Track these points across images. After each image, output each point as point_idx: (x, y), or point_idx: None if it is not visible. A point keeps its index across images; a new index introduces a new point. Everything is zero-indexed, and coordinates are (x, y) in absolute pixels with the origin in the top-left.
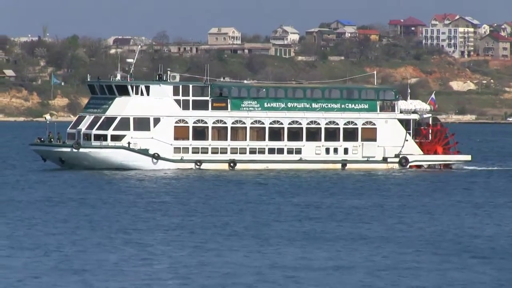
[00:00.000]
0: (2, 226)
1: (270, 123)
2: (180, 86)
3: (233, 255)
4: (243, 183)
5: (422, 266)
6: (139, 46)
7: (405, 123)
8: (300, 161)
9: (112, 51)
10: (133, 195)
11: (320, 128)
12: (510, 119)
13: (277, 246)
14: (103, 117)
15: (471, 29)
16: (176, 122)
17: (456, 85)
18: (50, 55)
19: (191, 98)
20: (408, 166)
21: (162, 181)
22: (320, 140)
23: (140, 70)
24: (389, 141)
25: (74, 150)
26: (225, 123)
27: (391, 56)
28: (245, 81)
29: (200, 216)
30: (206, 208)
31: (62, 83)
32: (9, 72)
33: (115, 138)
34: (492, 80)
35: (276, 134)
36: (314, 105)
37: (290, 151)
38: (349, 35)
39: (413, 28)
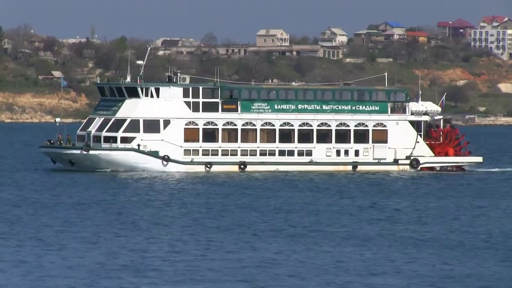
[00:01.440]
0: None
1: (281, 125)
2: (190, 88)
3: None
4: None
5: None
6: (149, 49)
7: (416, 124)
8: (311, 163)
9: (160, 52)
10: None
11: (331, 130)
12: None
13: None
14: (113, 119)
15: None
16: (186, 124)
17: (505, 87)
18: (98, 57)
19: (201, 100)
20: (419, 168)
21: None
22: (331, 142)
23: (188, 72)
24: (400, 143)
25: (84, 152)
26: (235, 125)
27: (439, 58)
28: (293, 83)
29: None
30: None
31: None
32: (57, 74)
33: (125, 140)
34: None
35: (286, 136)
36: (324, 106)
37: (300, 153)
38: (398, 37)
39: (461, 30)
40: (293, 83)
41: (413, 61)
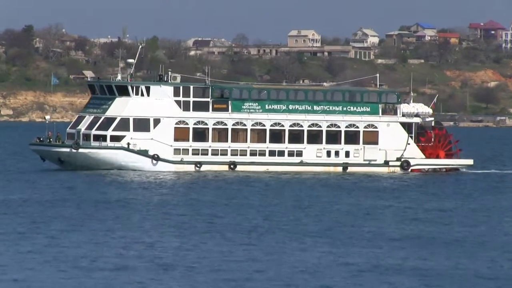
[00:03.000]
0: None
1: (271, 125)
2: (181, 87)
3: None
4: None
5: None
6: (139, 47)
7: (407, 126)
8: (301, 163)
9: (192, 52)
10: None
11: (322, 130)
12: None
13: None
14: (102, 118)
15: None
16: (176, 123)
17: None
18: (130, 56)
19: (191, 99)
20: (409, 170)
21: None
22: (322, 142)
23: (219, 72)
24: (391, 144)
25: (73, 150)
26: (225, 124)
27: (470, 59)
28: (325, 84)
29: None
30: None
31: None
32: (88, 73)
33: (114, 138)
34: None
35: (277, 136)
36: (315, 107)
37: (291, 154)
38: (429, 38)
39: (493, 32)
40: (324, 83)
41: (445, 62)
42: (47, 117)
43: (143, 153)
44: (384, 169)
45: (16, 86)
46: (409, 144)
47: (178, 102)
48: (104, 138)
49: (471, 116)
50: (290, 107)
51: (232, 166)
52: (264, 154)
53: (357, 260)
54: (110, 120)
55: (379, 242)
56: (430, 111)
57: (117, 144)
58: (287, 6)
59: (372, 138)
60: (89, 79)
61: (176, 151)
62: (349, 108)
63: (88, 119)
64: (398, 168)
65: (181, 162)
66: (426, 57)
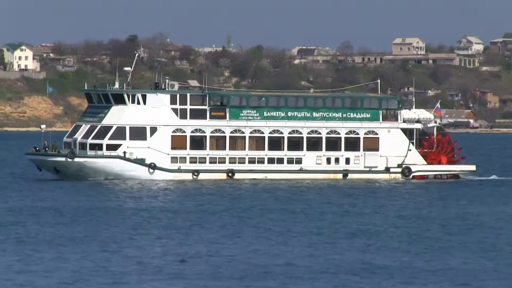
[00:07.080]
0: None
1: (270, 133)
2: (178, 95)
3: None
4: None
5: None
6: (136, 55)
7: (408, 132)
8: (301, 171)
9: (296, 61)
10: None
11: (321, 137)
12: None
13: None
14: (99, 126)
15: None
16: (173, 132)
17: None
18: (234, 66)
19: (188, 107)
20: (411, 176)
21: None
22: (321, 149)
23: (324, 80)
24: (392, 150)
25: (69, 159)
26: (223, 132)
27: None
28: (429, 91)
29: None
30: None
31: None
32: (193, 83)
33: (111, 147)
34: None
35: (276, 143)
36: (315, 114)
37: (290, 161)
38: None
39: None
40: (429, 91)
41: None
42: (43, 126)
43: (140, 161)
44: (385, 176)
45: None
46: (410, 150)
47: (175, 110)
48: (100, 147)
49: None
50: (289, 114)
51: (230, 174)
52: (263, 162)
53: None
54: (107, 129)
55: None
56: (432, 116)
57: (113, 153)
58: (391, 14)
59: (372, 144)
60: (193, 88)
61: (173, 159)
62: (349, 115)
63: (84, 128)
64: (399, 175)
65: (179, 170)
66: None
